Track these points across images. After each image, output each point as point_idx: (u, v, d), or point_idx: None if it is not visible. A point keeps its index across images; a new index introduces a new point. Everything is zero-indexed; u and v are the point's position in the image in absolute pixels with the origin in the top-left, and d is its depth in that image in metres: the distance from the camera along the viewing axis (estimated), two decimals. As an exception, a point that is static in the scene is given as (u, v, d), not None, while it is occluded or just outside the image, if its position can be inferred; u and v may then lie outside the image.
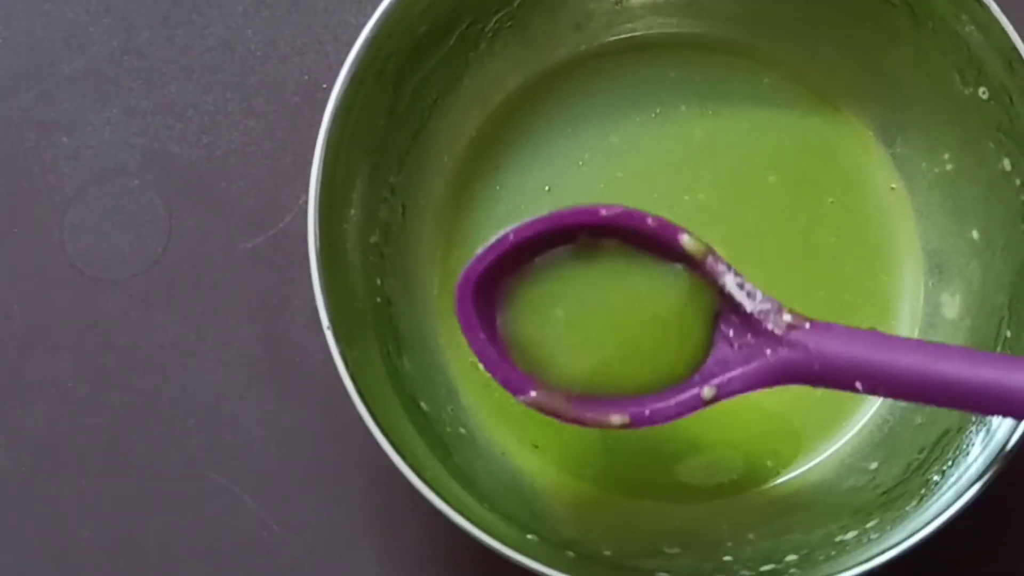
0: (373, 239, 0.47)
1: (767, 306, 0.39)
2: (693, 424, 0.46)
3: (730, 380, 0.40)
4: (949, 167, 0.49)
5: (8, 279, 0.51)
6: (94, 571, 0.49)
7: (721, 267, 0.40)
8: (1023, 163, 0.46)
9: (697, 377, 0.40)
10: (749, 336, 0.40)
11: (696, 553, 0.46)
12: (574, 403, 0.40)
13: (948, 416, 0.46)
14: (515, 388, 0.41)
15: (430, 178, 0.50)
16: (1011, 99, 0.45)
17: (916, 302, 0.50)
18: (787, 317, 0.39)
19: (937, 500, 0.42)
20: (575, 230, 0.41)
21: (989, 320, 0.47)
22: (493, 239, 0.40)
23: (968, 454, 0.43)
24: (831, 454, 0.48)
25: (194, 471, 0.49)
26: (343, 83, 0.44)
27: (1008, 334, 0.45)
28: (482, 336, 0.41)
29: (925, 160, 0.50)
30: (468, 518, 0.41)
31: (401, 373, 0.46)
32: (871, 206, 0.50)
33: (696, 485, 0.48)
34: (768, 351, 0.39)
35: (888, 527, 0.43)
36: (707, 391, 0.40)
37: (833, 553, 0.43)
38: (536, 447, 0.48)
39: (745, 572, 0.44)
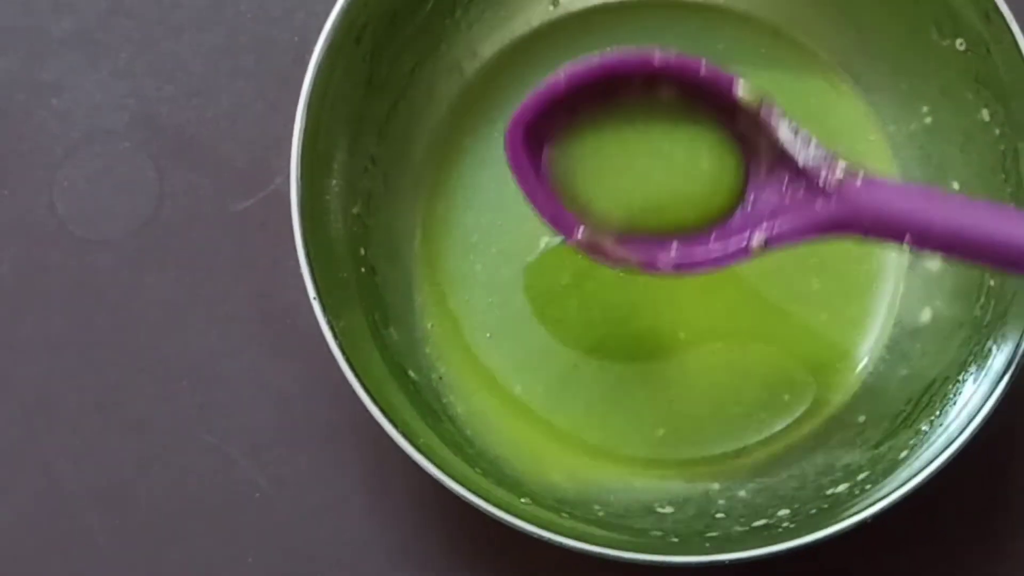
0: (355, 210, 0.48)
1: (820, 157, 0.39)
2: (679, 384, 0.48)
3: (780, 229, 0.40)
4: (928, 120, 0.49)
5: None
6: (86, 528, 0.49)
7: (777, 113, 0.40)
8: (1001, 113, 0.46)
9: (743, 222, 0.41)
10: (802, 187, 0.40)
11: (688, 511, 0.46)
12: (621, 243, 0.41)
13: (934, 366, 0.46)
14: (564, 228, 0.42)
15: (410, 148, 0.50)
16: (988, 49, 0.45)
17: (899, 254, 0.50)
18: (839, 172, 0.39)
19: (926, 450, 0.43)
20: (625, 77, 0.41)
21: (972, 270, 0.47)
22: (544, 82, 0.41)
23: (955, 403, 0.44)
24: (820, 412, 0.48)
25: (185, 430, 0.49)
26: (320, 53, 0.44)
27: (991, 283, 0.46)
28: (532, 178, 0.41)
29: (904, 113, 0.50)
30: (462, 483, 0.41)
31: (388, 342, 0.47)
32: (853, 159, 0.50)
33: (684, 452, 0.48)
34: (819, 203, 0.39)
35: (879, 479, 0.43)
36: (757, 237, 0.40)
37: (825, 506, 0.43)
38: (522, 417, 0.48)
39: (737, 528, 0.45)
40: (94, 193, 0.51)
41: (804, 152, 0.39)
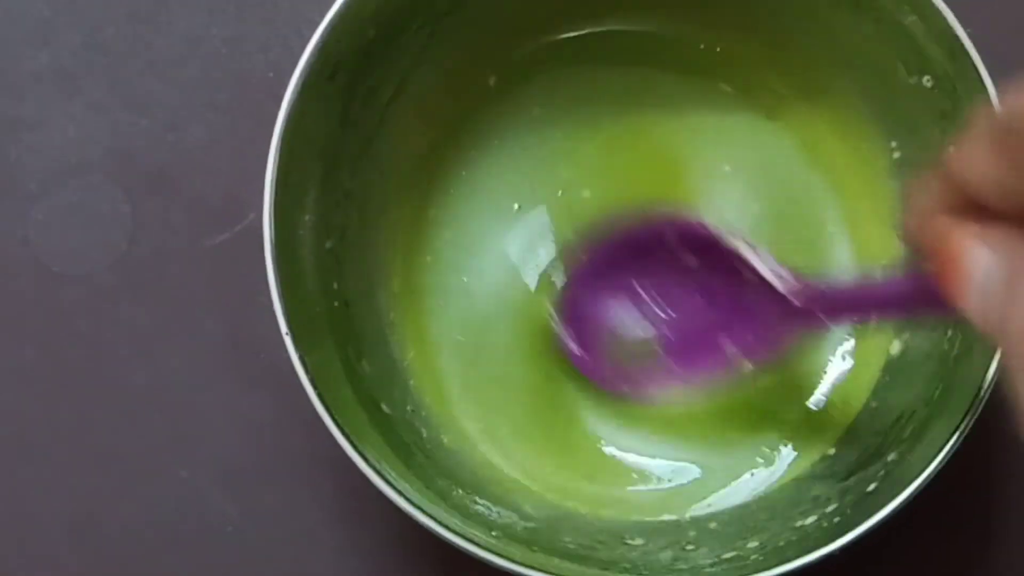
0: (328, 244, 0.48)
1: (790, 283, 0.43)
2: (648, 419, 0.49)
3: (763, 344, 0.45)
4: (896, 155, 0.50)
5: None
6: (57, 560, 0.49)
7: (758, 257, 0.44)
8: None
9: (732, 346, 0.46)
10: (775, 306, 0.44)
11: (659, 542, 0.46)
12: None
13: (902, 399, 0.47)
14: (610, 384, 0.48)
15: (385, 183, 0.50)
16: (954, 87, 0.46)
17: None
18: (797, 289, 0.43)
19: (894, 483, 0.43)
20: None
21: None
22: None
23: (923, 436, 0.44)
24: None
25: (158, 462, 0.49)
26: (294, 88, 0.44)
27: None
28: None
29: (873, 150, 0.50)
30: (432, 517, 0.41)
31: (361, 376, 0.47)
32: (822, 199, 0.52)
33: (653, 491, 0.48)
34: (790, 317, 0.43)
35: (847, 511, 0.43)
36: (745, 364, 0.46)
37: (793, 538, 0.43)
38: (495, 451, 0.49)
39: (707, 561, 0.45)
40: (68, 227, 0.51)
41: (781, 283, 0.43)
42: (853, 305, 0.43)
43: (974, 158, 0.31)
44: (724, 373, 0.46)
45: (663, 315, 0.48)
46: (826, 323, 0.44)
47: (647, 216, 0.47)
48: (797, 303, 0.43)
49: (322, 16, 0.45)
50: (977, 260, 0.31)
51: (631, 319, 0.48)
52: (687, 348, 0.47)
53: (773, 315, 0.44)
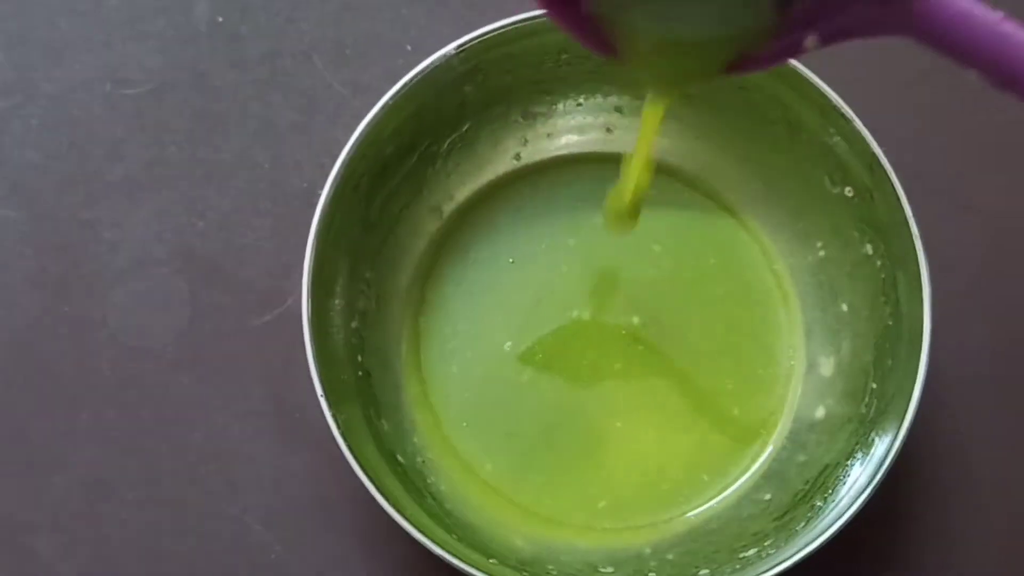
0: (354, 324, 0.49)
1: None
2: (617, 464, 0.50)
3: (835, 29, 0.34)
4: (822, 253, 0.52)
5: (61, 347, 0.52)
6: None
7: None
8: (882, 248, 0.48)
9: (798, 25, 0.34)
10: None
11: (626, 570, 0.47)
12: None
13: (827, 454, 0.48)
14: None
15: (398, 274, 0.51)
16: (872, 196, 0.48)
17: (798, 362, 0.52)
18: None
19: (821, 521, 0.45)
20: None
21: (858, 375, 0.49)
22: None
23: (845, 484, 0.46)
24: (733, 490, 0.50)
25: (213, 503, 0.50)
26: (326, 198, 0.46)
27: (874, 386, 0.48)
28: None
29: (801, 248, 0.52)
30: (442, 547, 0.43)
31: (380, 432, 0.48)
32: (758, 288, 0.53)
33: (621, 521, 0.50)
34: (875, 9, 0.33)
35: (782, 544, 0.45)
36: (810, 41, 0.34)
37: (738, 567, 0.45)
38: (489, 493, 0.49)
39: (666, 585, 0.46)
40: (139, 310, 0.52)
41: None
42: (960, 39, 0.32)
43: None
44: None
45: None
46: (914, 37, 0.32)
47: None
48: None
49: (347, 137, 0.47)
50: None
51: None
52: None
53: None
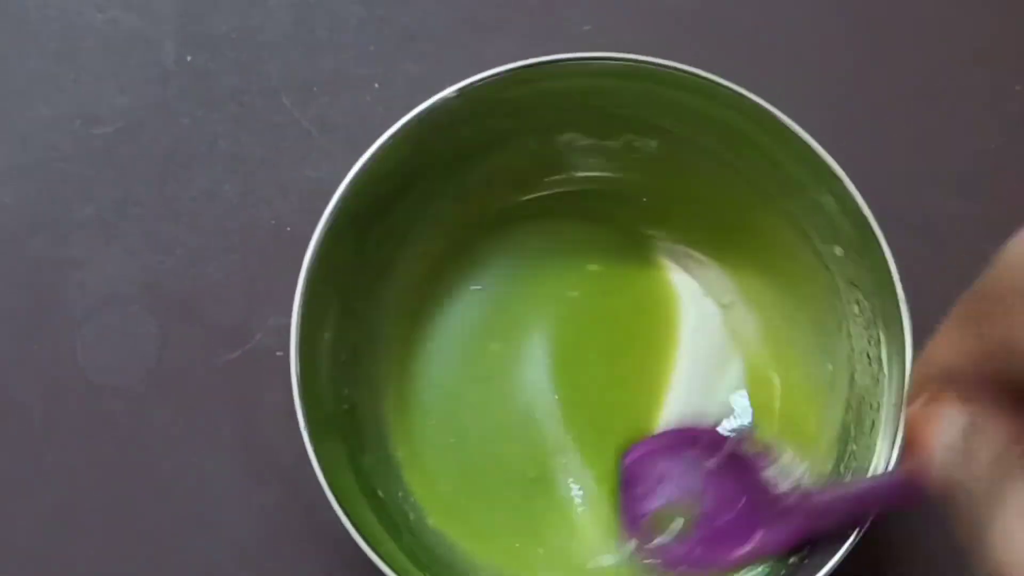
0: (343, 357, 0.49)
1: (788, 488, 0.44)
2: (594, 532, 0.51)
3: (767, 542, 0.45)
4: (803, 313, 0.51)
5: (30, 385, 0.52)
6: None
7: (768, 460, 0.45)
8: (867, 307, 0.48)
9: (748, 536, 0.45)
10: (769, 505, 0.44)
11: None
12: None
13: None
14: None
15: (389, 309, 0.52)
16: (860, 255, 0.47)
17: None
18: (795, 492, 0.44)
19: None
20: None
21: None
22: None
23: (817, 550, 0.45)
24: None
25: (182, 536, 0.51)
26: (319, 235, 0.46)
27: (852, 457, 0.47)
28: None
29: (785, 304, 0.52)
30: None
31: (362, 466, 0.48)
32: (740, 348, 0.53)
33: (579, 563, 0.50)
34: (786, 519, 0.44)
35: None
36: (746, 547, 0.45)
37: None
38: (465, 526, 0.50)
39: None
40: (108, 347, 0.53)
41: (781, 484, 0.44)
42: (839, 507, 0.43)
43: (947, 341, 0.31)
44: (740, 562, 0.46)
45: (699, 502, 0.47)
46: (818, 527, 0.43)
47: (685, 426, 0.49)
48: (790, 503, 0.43)
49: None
50: (944, 418, 0.31)
51: (677, 492, 0.47)
52: (715, 536, 0.46)
53: (769, 515, 0.44)
